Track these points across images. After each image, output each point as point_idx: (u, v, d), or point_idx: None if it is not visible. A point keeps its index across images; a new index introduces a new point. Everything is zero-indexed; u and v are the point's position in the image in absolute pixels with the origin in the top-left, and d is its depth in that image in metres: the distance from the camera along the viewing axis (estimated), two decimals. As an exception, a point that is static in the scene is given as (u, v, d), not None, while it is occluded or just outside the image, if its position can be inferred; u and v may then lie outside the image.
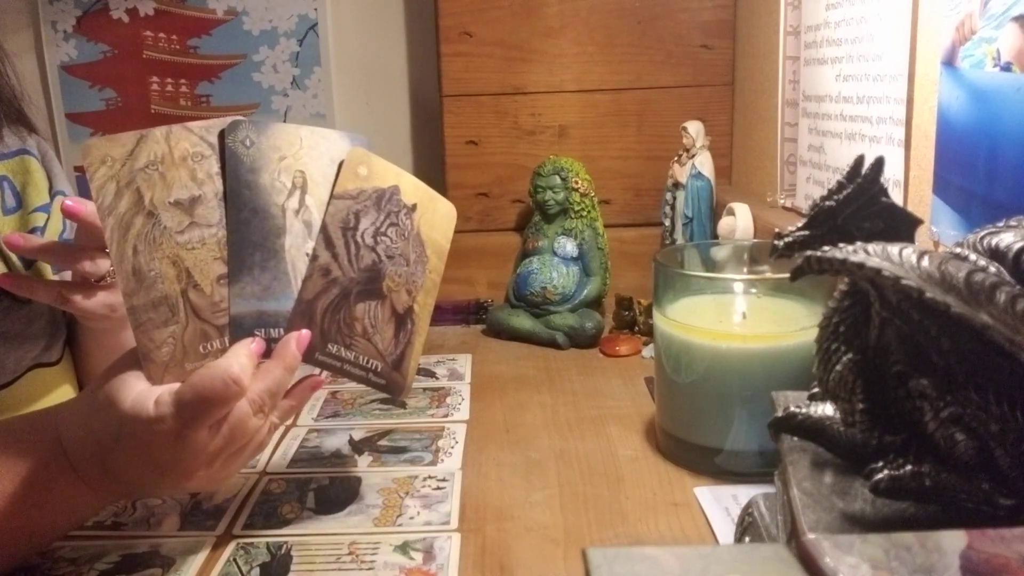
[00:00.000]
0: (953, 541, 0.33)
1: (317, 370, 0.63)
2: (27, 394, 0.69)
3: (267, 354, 0.59)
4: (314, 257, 0.61)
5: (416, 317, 0.66)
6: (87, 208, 0.65)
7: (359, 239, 0.63)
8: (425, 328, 0.68)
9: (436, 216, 0.68)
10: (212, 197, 0.59)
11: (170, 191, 0.58)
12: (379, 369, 0.64)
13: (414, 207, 0.66)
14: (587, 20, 1.26)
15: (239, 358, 0.56)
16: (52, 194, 0.82)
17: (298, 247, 0.61)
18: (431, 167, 1.38)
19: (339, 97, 1.39)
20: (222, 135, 0.59)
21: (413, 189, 0.66)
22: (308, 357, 0.60)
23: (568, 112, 1.29)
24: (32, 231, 0.80)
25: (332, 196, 0.62)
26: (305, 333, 0.60)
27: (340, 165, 0.63)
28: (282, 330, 0.60)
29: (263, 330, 0.59)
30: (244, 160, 0.59)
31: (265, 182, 0.60)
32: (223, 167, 0.59)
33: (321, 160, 0.62)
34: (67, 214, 0.65)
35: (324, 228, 0.61)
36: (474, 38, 1.26)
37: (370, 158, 0.64)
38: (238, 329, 0.59)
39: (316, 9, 1.34)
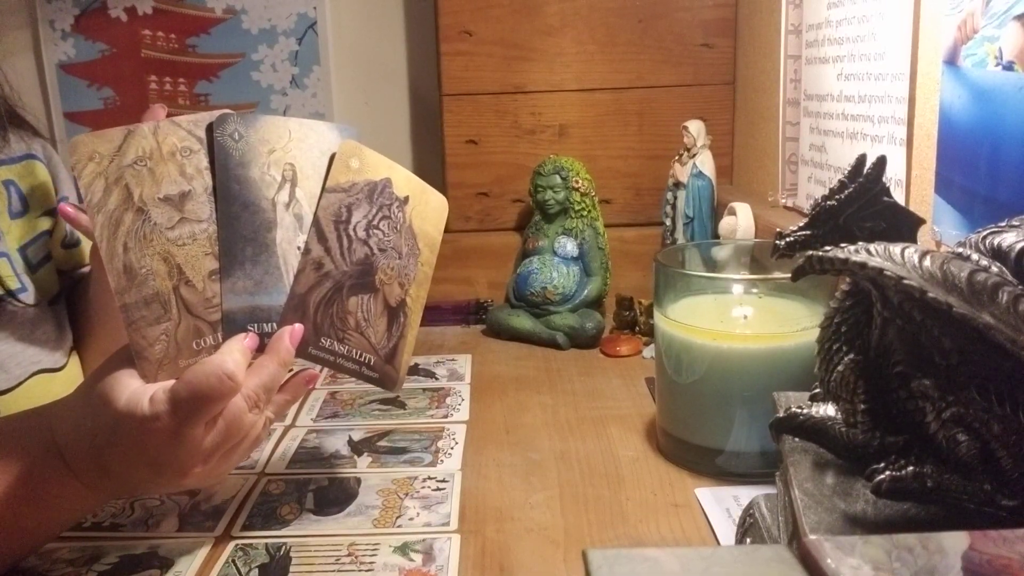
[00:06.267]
0: (955, 542, 0.33)
1: (311, 364, 0.63)
2: (30, 400, 0.68)
3: (260, 349, 0.59)
4: (307, 251, 0.61)
5: (409, 310, 0.66)
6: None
7: (351, 232, 0.62)
8: (417, 321, 0.68)
9: (428, 208, 0.68)
10: (202, 192, 0.59)
11: (159, 187, 0.58)
12: (372, 363, 0.64)
13: (406, 199, 0.66)
14: (587, 19, 1.26)
15: (233, 354, 0.56)
16: (58, 199, 0.82)
17: (289, 240, 0.60)
18: (431, 166, 1.38)
19: (338, 96, 1.39)
20: (210, 129, 0.59)
21: (405, 181, 0.66)
22: (301, 351, 0.60)
23: (568, 111, 1.29)
24: (38, 236, 0.80)
25: (324, 189, 0.62)
26: (298, 327, 0.59)
27: (331, 158, 0.63)
28: (275, 325, 0.59)
29: (256, 325, 0.59)
30: (233, 154, 0.59)
31: (255, 176, 0.60)
32: (212, 161, 0.59)
33: (311, 152, 0.62)
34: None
35: (316, 221, 0.61)
36: (474, 37, 1.26)
37: (362, 150, 0.64)
38: (231, 325, 0.59)
39: (315, 8, 1.34)
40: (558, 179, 1.12)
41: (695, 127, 1.12)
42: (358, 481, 0.73)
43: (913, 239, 0.47)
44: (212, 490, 0.71)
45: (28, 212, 0.79)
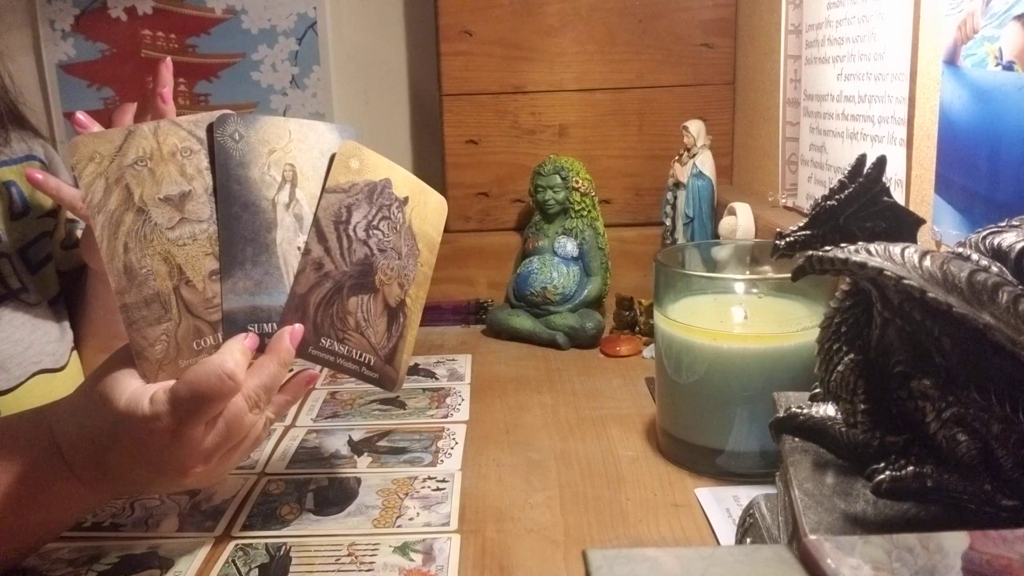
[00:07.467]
0: (955, 542, 0.33)
1: (312, 364, 0.63)
2: (31, 400, 0.69)
3: (261, 349, 0.59)
4: (307, 251, 0.61)
5: (408, 310, 0.66)
6: (50, 182, 0.70)
7: (351, 233, 0.63)
8: (417, 321, 0.68)
9: (427, 209, 0.68)
10: (202, 192, 0.59)
11: (159, 187, 0.58)
12: (372, 363, 0.64)
13: (406, 200, 0.66)
14: (587, 19, 1.26)
15: (233, 354, 0.56)
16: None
17: (289, 241, 0.60)
18: (431, 166, 1.38)
19: (338, 96, 1.39)
20: (210, 129, 0.59)
21: (404, 182, 0.66)
22: (301, 351, 0.60)
23: (568, 111, 1.29)
24: (40, 237, 0.80)
25: (324, 190, 0.62)
26: (298, 327, 0.60)
27: (331, 158, 0.63)
28: (275, 325, 0.60)
29: (256, 325, 0.59)
30: (233, 154, 0.59)
31: (255, 176, 0.60)
32: (212, 162, 0.59)
33: (311, 153, 0.62)
34: (33, 184, 0.70)
35: (316, 222, 0.61)
36: (474, 37, 1.26)
37: (361, 151, 0.64)
38: (231, 325, 0.59)
39: (315, 8, 1.34)
40: (558, 179, 1.12)
41: (695, 127, 1.12)
42: (358, 481, 0.73)
43: (913, 239, 0.47)
44: (212, 490, 0.71)
45: (29, 213, 0.79)
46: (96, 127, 0.68)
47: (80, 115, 0.68)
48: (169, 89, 0.69)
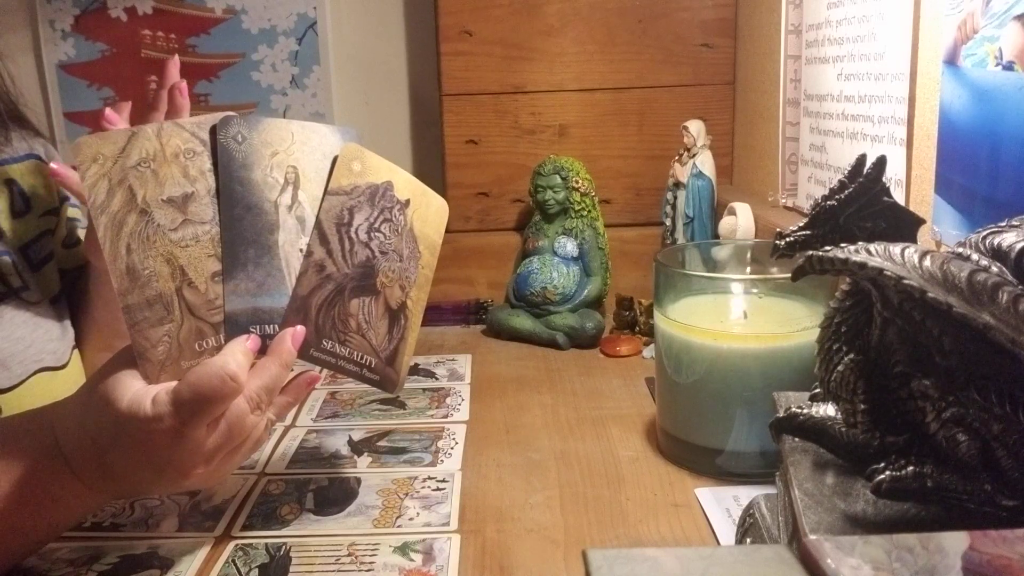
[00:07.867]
0: (955, 542, 0.33)
1: (313, 366, 0.63)
2: (32, 398, 0.69)
3: (262, 351, 0.59)
4: (309, 253, 0.61)
5: (409, 313, 0.66)
6: (72, 175, 0.69)
7: (353, 235, 0.63)
8: (418, 323, 0.68)
9: (429, 211, 0.68)
10: (205, 194, 0.59)
11: (162, 188, 0.58)
12: (373, 365, 0.64)
13: (407, 202, 0.66)
14: (587, 19, 1.26)
15: (235, 355, 0.56)
16: (60, 199, 0.82)
17: (292, 243, 0.61)
18: (431, 166, 1.38)
19: (338, 96, 1.39)
20: (213, 131, 0.59)
21: (406, 184, 0.66)
22: (303, 353, 0.60)
23: (568, 111, 1.29)
24: (42, 235, 0.80)
25: (326, 192, 0.62)
26: (300, 329, 0.60)
27: (334, 161, 0.63)
28: (277, 326, 0.60)
29: (258, 327, 0.59)
30: (236, 156, 0.59)
31: (257, 178, 0.60)
32: (215, 163, 0.59)
33: (313, 155, 0.62)
34: (55, 177, 0.70)
35: (319, 224, 0.61)
36: (474, 37, 1.26)
37: (363, 153, 0.64)
38: (233, 326, 0.59)
39: (315, 8, 1.34)
40: (558, 179, 1.12)
41: (695, 127, 1.12)
42: (358, 481, 0.73)
43: (913, 239, 0.47)
44: (212, 490, 0.71)
45: (30, 211, 0.79)
46: (123, 124, 0.68)
47: (108, 111, 0.68)
48: (184, 83, 0.70)
